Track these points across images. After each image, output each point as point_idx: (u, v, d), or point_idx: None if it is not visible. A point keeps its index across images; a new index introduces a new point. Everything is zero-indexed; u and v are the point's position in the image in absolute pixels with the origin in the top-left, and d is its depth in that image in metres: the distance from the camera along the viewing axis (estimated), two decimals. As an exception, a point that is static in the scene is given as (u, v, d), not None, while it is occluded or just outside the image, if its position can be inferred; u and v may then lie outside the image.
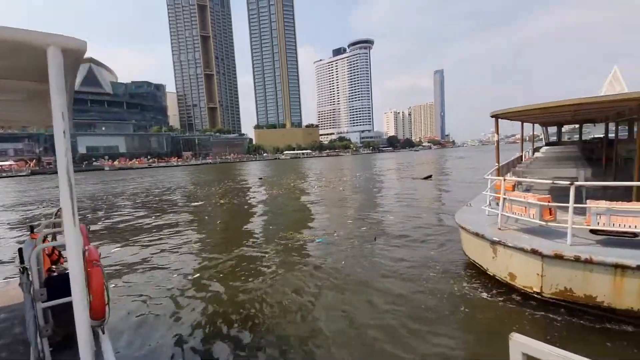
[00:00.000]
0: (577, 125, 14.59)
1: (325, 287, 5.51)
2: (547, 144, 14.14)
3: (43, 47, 1.44)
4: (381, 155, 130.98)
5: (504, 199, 5.64)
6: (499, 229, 5.58)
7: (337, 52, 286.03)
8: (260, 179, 33.25)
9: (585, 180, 7.24)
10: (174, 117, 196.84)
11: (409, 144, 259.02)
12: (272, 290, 5.45)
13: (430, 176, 22.89)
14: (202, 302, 5.21)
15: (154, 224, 11.65)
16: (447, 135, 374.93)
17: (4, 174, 70.72)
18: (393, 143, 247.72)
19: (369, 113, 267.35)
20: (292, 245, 7.99)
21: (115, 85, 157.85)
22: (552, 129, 16.45)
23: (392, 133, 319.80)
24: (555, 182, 5.07)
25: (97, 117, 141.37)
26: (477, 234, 5.65)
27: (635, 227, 4.20)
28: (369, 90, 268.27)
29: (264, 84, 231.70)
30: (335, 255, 7.17)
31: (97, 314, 1.81)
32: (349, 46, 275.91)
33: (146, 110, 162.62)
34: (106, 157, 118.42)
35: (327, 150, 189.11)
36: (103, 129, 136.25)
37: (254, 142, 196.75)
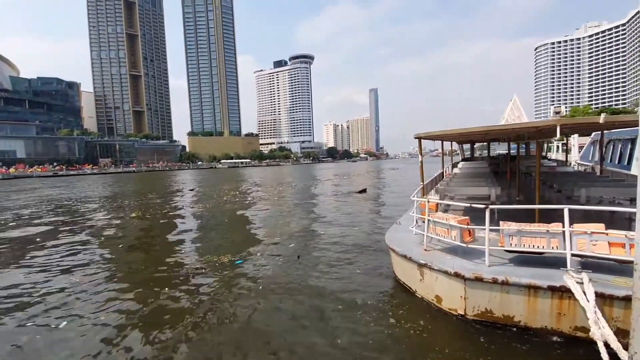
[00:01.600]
0: (485, 143, 16.89)
1: (224, 322, 4.72)
2: (463, 160, 15.95)
3: None
4: (321, 165, 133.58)
5: (428, 220, 5.69)
6: (425, 249, 5.54)
7: (279, 64, 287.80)
8: (192, 190, 30.65)
9: (497, 198, 8.10)
10: (90, 119, 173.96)
11: (347, 155, 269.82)
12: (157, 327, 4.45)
13: (364, 190, 23.52)
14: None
15: (32, 246, 9.41)
16: (381, 148, 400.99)
17: None
18: (332, 154, 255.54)
19: (310, 124, 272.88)
20: (207, 270, 6.98)
21: (16, 81, 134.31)
22: (467, 145, 18.82)
23: (331, 144, 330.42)
24: (472, 204, 5.27)
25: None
26: (405, 256, 5.54)
27: (543, 247, 4.49)
28: (309, 103, 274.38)
29: (200, 90, 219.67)
30: (251, 278, 6.44)
31: None
32: (290, 59, 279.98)
33: (54, 111, 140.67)
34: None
35: (267, 160, 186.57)
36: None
37: (187, 150, 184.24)
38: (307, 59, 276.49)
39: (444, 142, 11.73)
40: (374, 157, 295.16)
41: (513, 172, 11.55)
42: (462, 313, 4.62)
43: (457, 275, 4.60)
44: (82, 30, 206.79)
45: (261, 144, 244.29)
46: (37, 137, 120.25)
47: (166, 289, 6.19)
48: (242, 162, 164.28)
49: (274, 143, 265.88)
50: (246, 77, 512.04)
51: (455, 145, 16.08)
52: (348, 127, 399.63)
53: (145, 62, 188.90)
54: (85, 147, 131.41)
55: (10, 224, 14.36)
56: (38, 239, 10.91)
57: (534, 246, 4.51)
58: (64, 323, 4.98)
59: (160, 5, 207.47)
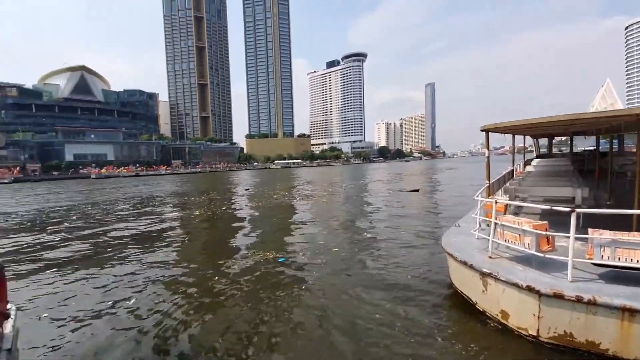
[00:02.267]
0: (566, 138, 14.44)
1: (259, 316, 4.59)
2: (538, 156, 13.84)
3: None
4: (372, 165, 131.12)
5: (496, 224, 4.91)
6: (490, 257, 4.82)
7: (331, 64, 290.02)
8: (247, 189, 32.24)
9: (583, 201, 6.74)
10: (165, 126, 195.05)
11: (399, 155, 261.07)
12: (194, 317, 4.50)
13: (417, 190, 22.26)
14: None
15: (113, 234, 10.59)
16: (437, 146, 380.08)
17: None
18: (384, 153, 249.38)
19: (361, 124, 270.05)
20: (250, 265, 7.04)
21: (107, 94, 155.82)
22: (543, 141, 16.28)
23: (383, 143, 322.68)
24: (553, 207, 4.39)
25: (87, 125, 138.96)
26: (465, 263, 4.88)
27: None
28: (361, 102, 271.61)
29: (257, 94, 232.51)
30: (291, 277, 6.31)
31: None
32: (342, 59, 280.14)
33: (137, 119, 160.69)
34: (94, 165, 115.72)
35: (318, 160, 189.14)
36: (92, 136, 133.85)
37: (245, 151, 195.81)
38: (360, 57, 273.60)
39: (515, 137, 10.26)
40: (429, 157, 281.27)
41: (603, 171, 9.74)
42: (534, 334, 3.91)
43: (530, 289, 3.89)
44: (161, 46, 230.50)
45: (313, 145, 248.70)
46: (124, 142, 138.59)
47: (216, 277, 6.40)
48: (294, 163, 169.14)
49: (325, 143, 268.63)
50: (300, 79, 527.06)
51: (528, 141, 13.95)
52: (401, 126, 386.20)
53: (210, 72, 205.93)
54: (161, 150, 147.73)
55: (112, 212, 16.56)
56: (123, 226, 12.35)
57: (632, 260, 3.64)
58: (133, 300, 5.41)
59: (224, 17, 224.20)
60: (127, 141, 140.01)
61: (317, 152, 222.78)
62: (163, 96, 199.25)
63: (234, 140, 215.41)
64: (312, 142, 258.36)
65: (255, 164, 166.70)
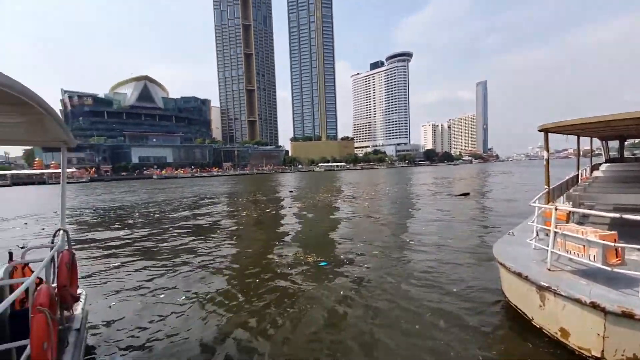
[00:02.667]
0: None
1: (298, 320, 4.67)
2: (607, 161, 12.24)
3: None
4: (417, 169, 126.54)
5: (556, 232, 4.46)
6: (549, 269, 4.42)
7: (375, 65, 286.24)
8: (291, 192, 33.10)
9: None
10: (217, 130, 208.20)
11: (447, 158, 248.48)
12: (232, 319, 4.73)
13: (467, 194, 21.00)
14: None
15: (164, 235, 11.61)
16: (490, 149, 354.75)
17: (68, 181, 78.67)
18: (430, 156, 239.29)
19: (406, 126, 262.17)
20: (289, 268, 7.21)
21: (166, 101, 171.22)
22: (613, 143, 14.29)
23: (429, 146, 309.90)
24: (624, 216, 3.89)
25: (150, 130, 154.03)
26: (520, 275, 4.52)
27: None
28: (406, 103, 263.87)
29: (302, 98, 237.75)
30: (332, 281, 6.28)
31: None
32: (386, 59, 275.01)
33: (192, 124, 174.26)
34: (155, 166, 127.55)
35: (362, 163, 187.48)
36: (154, 140, 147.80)
37: (289, 154, 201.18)
38: (405, 56, 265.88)
39: (580, 139, 9.12)
40: (480, 160, 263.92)
41: None
42: (598, 355, 3.53)
43: (594, 306, 3.51)
44: (212, 55, 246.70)
45: (356, 147, 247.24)
46: (181, 145, 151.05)
47: (255, 279, 6.69)
48: (337, 166, 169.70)
49: (368, 146, 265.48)
50: (342, 82, 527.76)
51: (595, 144, 12.30)
52: (449, 127, 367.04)
53: (257, 77, 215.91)
54: (213, 153, 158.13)
55: (171, 210, 18.26)
56: (182, 222, 13.52)
57: None
58: (182, 297, 5.91)
59: (270, 24, 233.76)
60: (184, 145, 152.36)
61: (361, 155, 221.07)
62: (214, 102, 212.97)
63: (279, 144, 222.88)
64: (356, 144, 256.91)
65: (300, 166, 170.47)
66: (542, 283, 4.10)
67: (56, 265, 3.38)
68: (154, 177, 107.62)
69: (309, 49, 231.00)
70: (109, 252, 9.45)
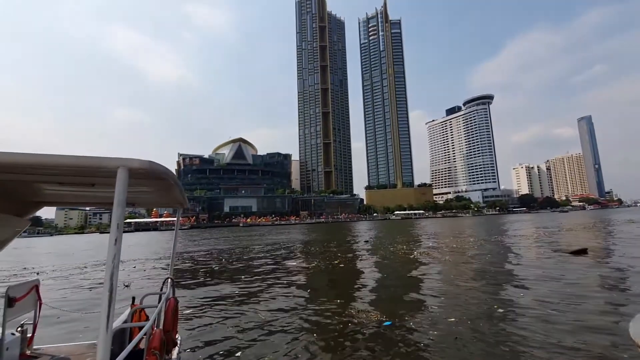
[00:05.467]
0: None
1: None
2: None
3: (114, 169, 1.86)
4: (511, 217, 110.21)
5: None
6: None
7: (451, 111, 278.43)
8: (366, 241, 31.96)
9: None
10: (295, 181, 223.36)
11: (550, 204, 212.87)
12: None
13: (584, 250, 16.80)
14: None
15: (247, 279, 11.92)
16: (608, 192, 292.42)
17: (172, 227, 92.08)
18: (528, 202, 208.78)
19: (493, 169, 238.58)
20: (354, 323, 6.34)
21: (255, 157, 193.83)
22: None
23: (525, 191, 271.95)
24: None
25: (240, 183, 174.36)
26: None
27: None
28: (490, 145, 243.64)
29: (376, 147, 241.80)
30: (395, 346, 5.21)
31: None
32: (464, 104, 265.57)
33: (275, 176, 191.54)
34: (242, 214, 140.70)
35: (443, 211, 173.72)
36: (243, 192, 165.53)
37: (364, 202, 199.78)
38: (485, 99, 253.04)
39: None
40: (595, 205, 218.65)
41: None
42: None
43: None
44: (295, 115, 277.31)
45: (435, 194, 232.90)
46: (264, 196, 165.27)
47: (314, 333, 6.07)
48: (415, 214, 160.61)
49: (449, 193, 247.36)
50: (417, 130, 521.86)
51: None
52: (548, 169, 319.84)
53: (334, 131, 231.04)
54: (292, 202, 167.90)
55: (258, 254, 19.36)
56: (260, 269, 13.97)
57: None
58: (247, 350, 5.68)
59: (345, 85, 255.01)
60: (267, 195, 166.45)
61: (441, 202, 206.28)
62: (295, 156, 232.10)
63: (354, 192, 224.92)
64: (435, 191, 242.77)
65: (375, 214, 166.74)
66: None
67: (163, 311, 3.73)
68: (241, 224, 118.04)
69: (382, 102, 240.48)
70: (205, 297, 10.06)
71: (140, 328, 3.20)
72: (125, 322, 3.50)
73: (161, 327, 3.68)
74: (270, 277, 13.19)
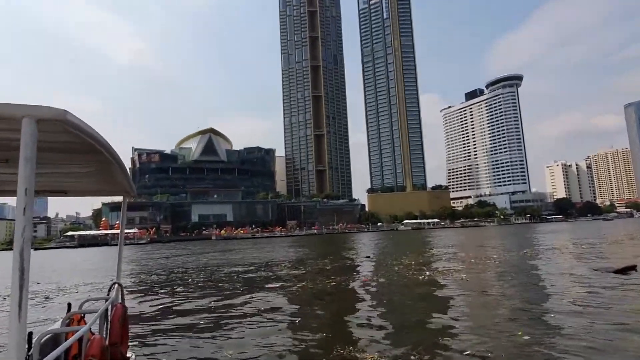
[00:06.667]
0: None
1: None
2: None
3: (17, 118, 1.67)
4: (545, 226, 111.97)
5: None
6: None
7: (472, 95, 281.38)
8: (368, 257, 31.99)
9: None
10: (281, 182, 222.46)
11: (591, 210, 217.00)
12: None
13: (633, 267, 17.10)
14: None
15: (222, 303, 11.73)
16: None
17: (127, 242, 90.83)
18: (564, 208, 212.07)
19: (523, 168, 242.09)
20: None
21: (229, 153, 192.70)
22: None
23: (561, 194, 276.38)
24: None
25: (211, 185, 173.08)
26: None
27: None
28: (520, 139, 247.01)
29: (379, 142, 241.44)
30: None
31: None
32: (487, 86, 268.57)
33: (255, 176, 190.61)
34: (214, 225, 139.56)
35: (462, 220, 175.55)
36: (215, 196, 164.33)
37: (366, 209, 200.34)
38: (513, 80, 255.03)
39: None
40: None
41: None
42: None
43: None
44: (278, 102, 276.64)
45: (452, 199, 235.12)
46: (242, 201, 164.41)
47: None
48: (428, 223, 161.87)
49: (469, 197, 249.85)
50: (430, 119, 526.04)
51: None
52: (588, 167, 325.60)
53: (327, 120, 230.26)
54: (277, 209, 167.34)
55: (226, 281, 19.12)
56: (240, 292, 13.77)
57: None
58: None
59: (341, 62, 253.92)
60: (245, 200, 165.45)
61: (460, 208, 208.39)
62: (279, 151, 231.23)
63: (354, 197, 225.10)
64: (452, 195, 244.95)
65: (380, 224, 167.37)
66: None
67: (109, 319, 3.88)
68: (213, 237, 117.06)
69: (386, 85, 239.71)
70: (166, 319, 9.83)
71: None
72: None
73: (104, 336, 3.73)
74: (248, 307, 13.02)
